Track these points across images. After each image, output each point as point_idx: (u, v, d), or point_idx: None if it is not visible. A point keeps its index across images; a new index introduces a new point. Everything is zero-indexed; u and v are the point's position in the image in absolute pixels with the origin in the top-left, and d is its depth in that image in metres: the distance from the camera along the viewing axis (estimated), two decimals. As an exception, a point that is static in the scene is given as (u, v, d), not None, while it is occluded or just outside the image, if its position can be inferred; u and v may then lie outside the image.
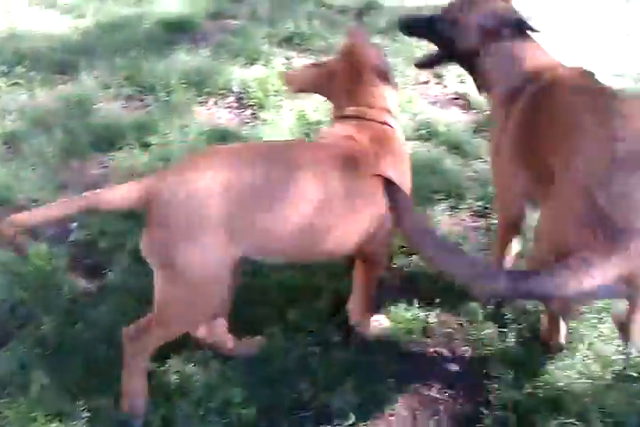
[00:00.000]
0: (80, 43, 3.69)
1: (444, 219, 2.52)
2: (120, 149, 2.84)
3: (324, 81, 2.00)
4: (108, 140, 2.88)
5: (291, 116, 3.14)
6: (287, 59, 3.70)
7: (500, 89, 1.92)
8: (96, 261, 2.28)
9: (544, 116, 1.71)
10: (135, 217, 2.40)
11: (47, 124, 2.95)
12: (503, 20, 1.91)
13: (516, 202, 1.93)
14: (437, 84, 3.58)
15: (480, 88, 2.09)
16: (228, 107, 3.31)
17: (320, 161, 1.69)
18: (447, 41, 2.02)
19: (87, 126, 2.94)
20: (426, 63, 2.25)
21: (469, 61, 2.02)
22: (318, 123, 3.07)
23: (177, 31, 4.01)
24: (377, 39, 4.03)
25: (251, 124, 3.16)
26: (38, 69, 3.35)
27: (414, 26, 2.15)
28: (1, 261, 2.20)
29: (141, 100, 3.23)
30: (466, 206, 2.57)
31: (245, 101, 3.31)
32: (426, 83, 3.59)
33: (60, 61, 3.45)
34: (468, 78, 3.32)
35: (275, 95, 3.30)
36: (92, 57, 3.49)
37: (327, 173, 1.67)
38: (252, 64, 3.65)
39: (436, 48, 2.12)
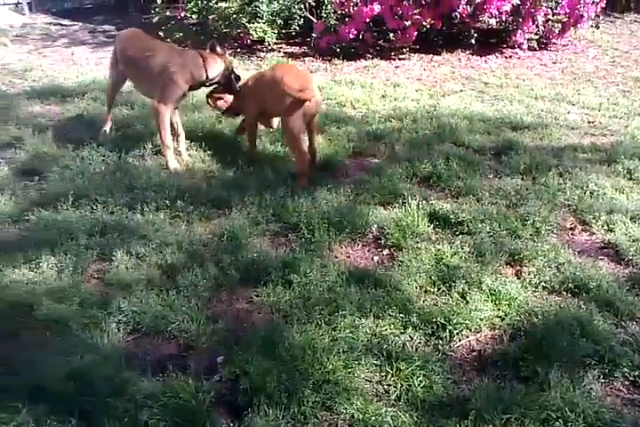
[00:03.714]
0: (233, 179, 4.03)
1: (595, 388, 2.35)
2: (265, 285, 2.97)
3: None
4: (255, 275, 3.04)
5: (429, 258, 3.17)
6: (425, 199, 3.77)
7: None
8: (239, 401, 2.32)
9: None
10: (277, 358, 2.47)
11: (202, 257, 3.18)
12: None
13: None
14: (583, 231, 3.50)
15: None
16: (367, 246, 3.40)
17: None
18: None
19: (236, 261, 3.12)
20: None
21: None
22: (456, 267, 3.08)
23: (320, 169, 4.28)
24: (516, 180, 4.07)
25: (387, 264, 3.22)
26: (196, 204, 3.68)
27: None
28: (151, 391, 2.31)
29: (286, 237, 3.41)
30: (620, 375, 2.38)
31: (383, 242, 3.39)
32: (571, 229, 3.51)
33: (216, 197, 3.76)
34: (618, 226, 3.26)
35: (413, 237, 3.38)
36: (244, 193, 3.78)
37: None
38: (389, 203, 3.78)
39: None
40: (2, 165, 4.25)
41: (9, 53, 7.84)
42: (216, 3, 7.94)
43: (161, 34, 8.20)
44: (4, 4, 10.71)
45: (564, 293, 2.93)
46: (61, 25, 9.93)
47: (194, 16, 8.28)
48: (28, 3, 10.76)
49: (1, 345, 2.59)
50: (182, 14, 8.47)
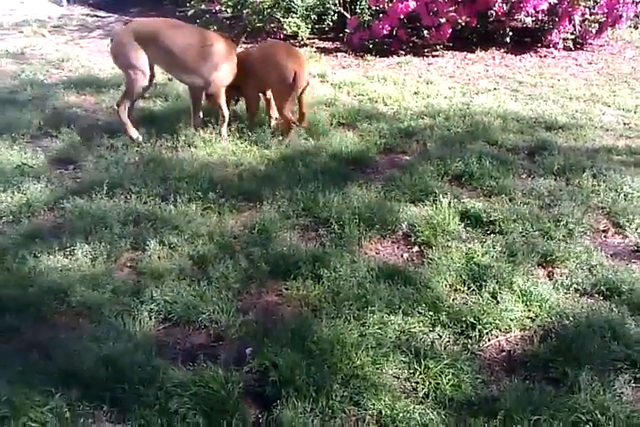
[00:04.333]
0: (265, 173, 4.05)
1: (627, 392, 2.32)
2: (294, 278, 2.99)
3: None
4: (285, 268, 3.05)
5: (459, 257, 3.16)
6: (456, 197, 3.75)
7: None
8: (268, 392, 2.34)
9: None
10: (306, 351, 2.48)
11: (232, 249, 3.21)
12: None
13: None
14: (617, 233, 3.45)
15: None
16: (396, 243, 3.39)
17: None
18: None
19: (267, 254, 3.14)
20: None
21: None
22: (487, 267, 3.05)
23: (351, 165, 4.28)
24: (549, 181, 4.02)
25: (417, 261, 3.21)
26: (227, 196, 3.71)
27: None
28: (181, 380, 2.34)
29: (316, 231, 3.42)
30: (653, 381, 2.35)
31: (413, 239, 3.38)
32: (604, 231, 3.47)
33: (247, 190, 3.79)
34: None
35: (443, 235, 3.36)
36: (275, 187, 3.80)
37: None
38: (420, 201, 3.76)
39: None
40: (38, 154, 4.33)
41: (47, 44, 7.95)
42: (251, -3, 7.95)
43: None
44: (43, -4, 10.89)
45: (596, 295, 2.90)
46: (98, 17, 10.04)
47: (228, 10, 8.29)
48: (65, -6, 10.91)
49: (35, 330, 2.65)
50: (217, 8, 8.49)
